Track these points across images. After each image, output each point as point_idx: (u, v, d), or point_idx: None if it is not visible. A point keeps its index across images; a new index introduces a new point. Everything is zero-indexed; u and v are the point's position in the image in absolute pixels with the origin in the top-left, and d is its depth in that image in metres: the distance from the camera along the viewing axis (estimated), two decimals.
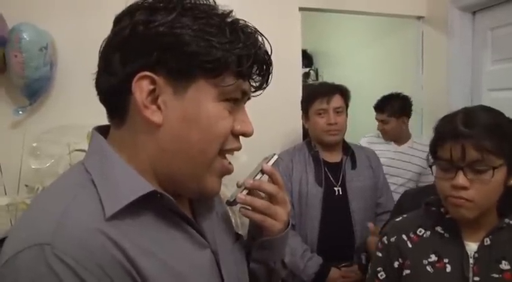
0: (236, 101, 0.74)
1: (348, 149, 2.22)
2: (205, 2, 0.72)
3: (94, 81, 0.73)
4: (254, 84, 0.76)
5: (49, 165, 1.97)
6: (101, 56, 0.72)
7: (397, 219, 1.29)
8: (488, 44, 2.57)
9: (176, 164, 0.71)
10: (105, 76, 0.70)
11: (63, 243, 0.57)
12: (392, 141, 2.92)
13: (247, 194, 0.84)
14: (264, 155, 2.17)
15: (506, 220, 1.12)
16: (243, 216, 0.88)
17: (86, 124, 1.77)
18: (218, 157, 0.74)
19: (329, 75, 4.60)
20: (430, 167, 1.15)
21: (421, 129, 2.98)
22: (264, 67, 0.75)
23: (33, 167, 1.99)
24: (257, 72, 0.74)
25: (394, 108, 2.80)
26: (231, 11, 0.73)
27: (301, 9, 2.67)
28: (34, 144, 2.01)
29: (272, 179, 0.87)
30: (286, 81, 2.58)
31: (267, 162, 0.87)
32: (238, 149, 0.77)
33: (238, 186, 0.86)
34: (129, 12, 0.70)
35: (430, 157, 1.18)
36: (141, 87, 0.67)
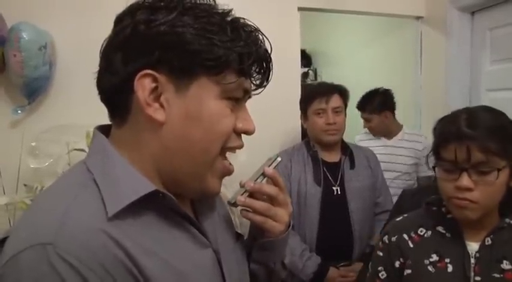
0: (238, 99, 0.74)
1: (346, 149, 2.22)
2: (205, 1, 0.72)
3: (95, 81, 0.74)
4: (255, 82, 0.76)
5: (48, 165, 1.97)
6: (102, 56, 0.72)
7: (398, 219, 1.28)
8: (487, 44, 2.58)
9: (178, 163, 0.72)
10: (107, 76, 0.70)
11: (66, 242, 0.57)
12: (382, 137, 2.93)
13: (249, 195, 0.84)
14: (262, 154, 2.17)
15: (507, 220, 1.12)
16: (242, 217, 0.88)
17: (85, 123, 1.78)
18: (219, 157, 0.75)
19: (328, 75, 4.61)
20: (434, 168, 1.14)
21: (420, 128, 2.98)
22: (265, 65, 0.75)
23: (32, 166, 1.99)
24: (257, 70, 0.75)
25: (373, 105, 2.82)
26: (231, 10, 0.73)
27: (300, 9, 2.67)
28: (33, 144, 2.02)
29: (274, 182, 0.87)
30: (285, 81, 2.58)
31: (270, 165, 0.87)
32: (241, 147, 0.78)
33: (241, 186, 0.86)
34: (130, 11, 0.70)
35: (432, 158, 1.18)
36: (143, 85, 0.67)
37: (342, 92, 2.20)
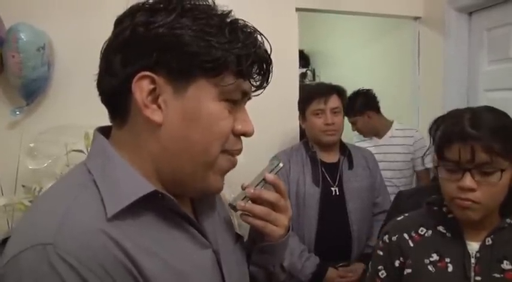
0: (236, 101, 0.74)
1: (344, 149, 2.22)
2: (204, 2, 0.72)
3: (94, 82, 0.74)
4: (255, 83, 0.76)
5: (46, 166, 1.97)
6: (102, 58, 0.72)
7: (399, 219, 1.28)
8: (485, 44, 2.58)
9: (178, 163, 0.72)
10: (107, 77, 0.71)
11: (66, 243, 0.58)
12: (373, 136, 2.94)
13: (249, 200, 0.84)
14: (261, 155, 2.17)
15: (508, 220, 1.12)
16: (240, 218, 0.88)
17: (84, 124, 1.79)
18: (222, 154, 0.74)
19: (326, 75, 4.61)
20: (436, 168, 1.14)
21: (418, 129, 2.98)
22: (264, 66, 0.75)
23: (30, 167, 1.99)
24: (257, 71, 0.75)
25: (354, 107, 2.84)
26: (230, 11, 0.73)
27: (298, 9, 2.67)
28: (31, 145, 2.01)
29: (275, 188, 0.87)
30: (283, 81, 2.58)
31: (271, 171, 0.87)
32: (240, 150, 0.78)
33: (242, 188, 0.86)
34: (130, 13, 0.71)
35: (429, 157, 1.18)
36: (141, 87, 0.67)
37: (340, 93, 2.21)
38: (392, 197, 2.07)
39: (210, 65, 0.68)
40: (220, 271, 0.80)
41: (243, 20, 0.74)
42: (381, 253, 1.25)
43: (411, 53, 3.07)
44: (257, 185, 0.86)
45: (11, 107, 2.12)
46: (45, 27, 2.09)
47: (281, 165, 0.89)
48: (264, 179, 0.86)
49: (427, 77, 2.96)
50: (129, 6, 0.73)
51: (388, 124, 2.91)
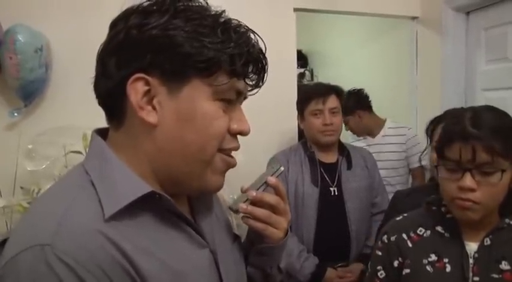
0: (230, 101, 0.75)
1: (343, 150, 2.22)
2: (198, 3, 0.73)
3: (92, 84, 0.74)
4: (250, 82, 0.76)
5: (45, 167, 1.96)
6: (98, 61, 0.73)
7: (398, 219, 1.28)
8: (482, 44, 2.59)
9: (174, 163, 0.72)
10: (103, 80, 0.72)
11: (64, 243, 0.58)
12: (367, 136, 2.95)
13: (251, 203, 0.86)
14: (259, 155, 2.17)
15: (507, 220, 1.12)
16: (239, 218, 0.90)
17: (82, 126, 1.79)
18: (219, 153, 0.75)
19: (324, 75, 4.61)
20: (436, 167, 1.13)
21: (416, 128, 2.99)
22: (259, 65, 0.75)
23: (28, 169, 1.99)
24: (252, 70, 0.75)
25: (346, 107, 2.83)
26: (223, 11, 0.74)
27: (295, 9, 2.67)
28: (29, 146, 2.01)
29: (276, 191, 0.88)
30: (281, 81, 2.59)
31: (272, 175, 0.89)
32: (237, 148, 0.78)
33: (242, 191, 0.87)
34: (124, 16, 0.71)
35: (426, 156, 1.18)
36: (135, 89, 0.68)
37: (339, 93, 2.21)
38: (390, 196, 2.07)
39: (203, 65, 0.69)
40: (217, 271, 0.80)
41: (236, 19, 0.74)
42: (380, 253, 1.25)
43: (409, 52, 3.07)
44: (259, 188, 0.87)
45: (9, 109, 2.12)
46: (43, 28, 2.09)
47: (282, 169, 0.91)
48: (265, 182, 0.87)
49: (424, 77, 2.96)
50: (124, 8, 0.73)
51: (381, 123, 2.92)
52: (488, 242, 1.10)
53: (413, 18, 2.99)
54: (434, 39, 2.81)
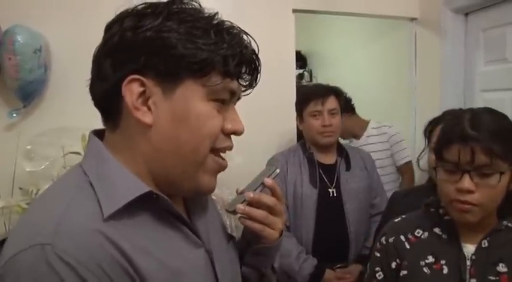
0: (224, 101, 0.76)
1: (342, 151, 2.22)
2: (191, 6, 0.74)
3: (88, 88, 0.76)
4: (244, 83, 0.78)
5: (43, 168, 1.96)
6: (94, 63, 0.74)
7: (396, 220, 1.29)
8: (481, 45, 2.59)
9: (170, 164, 0.73)
10: (98, 82, 0.73)
11: (64, 243, 0.59)
12: (352, 138, 2.97)
13: (248, 204, 0.87)
14: (258, 156, 2.17)
15: (505, 222, 1.12)
16: (237, 220, 0.91)
17: (81, 126, 1.78)
18: (211, 155, 0.76)
19: (323, 76, 4.61)
20: (435, 168, 1.13)
21: (414, 129, 2.99)
22: (252, 66, 0.77)
23: (27, 169, 1.98)
24: (246, 71, 0.76)
25: None
26: (216, 14, 0.75)
27: (294, 11, 2.67)
28: (28, 147, 2.01)
29: (272, 192, 0.90)
30: (280, 82, 2.59)
31: (269, 176, 0.90)
32: (230, 148, 0.79)
33: (238, 193, 0.89)
34: (118, 19, 0.73)
35: (424, 158, 1.18)
36: (130, 90, 0.69)
37: (338, 94, 2.21)
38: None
39: (196, 66, 0.70)
40: (213, 270, 0.82)
41: (229, 21, 0.76)
42: (378, 255, 1.25)
43: (408, 53, 3.07)
44: (255, 189, 0.88)
45: (8, 109, 2.11)
46: (41, 29, 2.09)
47: (278, 170, 0.92)
48: (262, 183, 0.89)
49: (423, 78, 2.96)
50: (119, 11, 0.74)
51: (364, 125, 2.93)
52: (486, 244, 1.10)
53: (412, 19, 2.99)
54: (433, 41, 2.81)
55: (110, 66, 0.71)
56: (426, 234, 1.19)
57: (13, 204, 1.90)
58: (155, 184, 0.75)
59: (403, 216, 1.29)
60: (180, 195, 0.82)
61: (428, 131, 1.66)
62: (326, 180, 2.14)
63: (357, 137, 2.93)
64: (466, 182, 1.04)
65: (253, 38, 0.77)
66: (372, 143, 2.83)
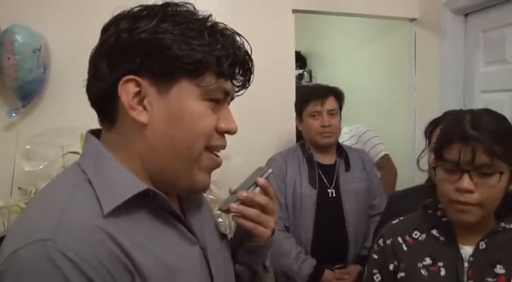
0: (218, 100, 0.78)
1: (341, 151, 2.22)
2: (186, 8, 0.76)
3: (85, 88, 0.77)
4: (237, 83, 0.80)
5: (42, 168, 1.96)
6: (90, 64, 0.76)
7: (394, 222, 1.28)
8: (480, 46, 2.59)
9: (165, 162, 0.75)
10: (95, 82, 0.75)
11: (65, 239, 0.60)
12: None
13: (241, 203, 0.89)
14: (257, 156, 2.17)
15: (502, 224, 1.12)
16: (234, 221, 0.93)
17: (80, 126, 1.77)
18: (205, 152, 0.78)
19: (323, 76, 4.61)
20: (434, 168, 1.13)
21: (414, 130, 2.99)
22: (245, 67, 0.79)
23: (26, 169, 1.98)
24: (239, 72, 0.79)
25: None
26: (210, 16, 0.77)
27: (294, 11, 2.67)
28: (27, 147, 2.01)
29: (265, 192, 0.93)
30: (279, 82, 2.59)
31: (261, 176, 0.93)
32: (224, 146, 0.82)
33: (231, 193, 0.92)
34: (115, 21, 0.75)
35: (423, 159, 1.17)
36: (126, 90, 0.71)
37: (337, 95, 2.21)
38: None
39: (191, 67, 0.72)
40: (207, 267, 0.83)
41: (223, 23, 0.78)
42: (376, 257, 1.25)
43: (407, 54, 3.07)
44: (248, 188, 0.91)
45: (7, 109, 2.11)
46: (41, 29, 2.09)
47: (270, 170, 0.95)
48: (255, 183, 0.91)
49: (423, 78, 2.96)
50: (115, 13, 0.76)
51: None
52: (484, 246, 1.10)
53: (412, 20, 2.99)
54: (433, 41, 2.81)
55: (107, 66, 0.72)
56: (424, 236, 1.19)
57: (12, 204, 1.90)
58: (151, 182, 0.76)
59: (401, 218, 1.29)
60: (174, 193, 0.84)
61: (429, 131, 1.66)
62: (325, 180, 2.14)
63: None
64: (466, 182, 1.04)
65: (246, 40, 0.79)
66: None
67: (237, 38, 0.78)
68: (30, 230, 0.62)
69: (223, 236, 0.99)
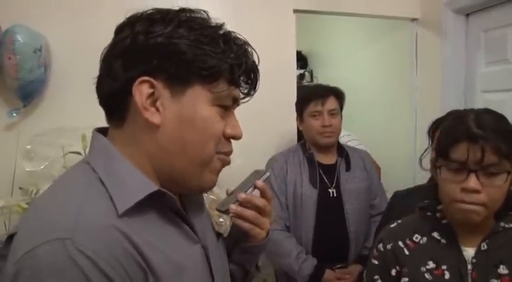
0: (227, 107, 0.80)
1: (342, 151, 2.22)
2: (199, 15, 0.79)
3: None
4: (243, 91, 0.83)
5: (43, 168, 1.96)
6: (103, 62, 0.78)
7: (392, 225, 1.27)
8: (482, 45, 2.58)
9: (176, 162, 0.77)
10: (107, 80, 0.76)
11: (83, 238, 0.61)
12: None
13: (239, 204, 0.92)
14: (258, 156, 2.17)
15: (502, 224, 1.11)
16: (232, 222, 0.98)
17: (80, 126, 1.78)
18: (216, 154, 0.80)
19: (324, 76, 4.60)
20: (439, 168, 1.11)
21: (415, 130, 2.99)
22: (253, 75, 0.82)
23: (27, 169, 1.98)
24: (246, 80, 0.81)
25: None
26: (223, 24, 0.80)
27: (295, 11, 2.67)
28: (28, 147, 2.01)
29: (262, 194, 0.96)
30: (280, 82, 2.59)
31: (259, 179, 0.96)
32: (231, 152, 0.84)
33: (228, 194, 0.95)
34: (129, 23, 0.77)
35: (425, 158, 1.16)
36: (141, 91, 0.73)
37: (338, 94, 2.21)
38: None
39: (206, 72, 0.75)
40: (208, 265, 0.86)
41: (234, 32, 0.81)
42: (376, 262, 1.23)
43: (409, 54, 3.07)
44: (247, 190, 0.94)
45: (7, 109, 2.11)
46: (42, 29, 2.09)
47: (268, 174, 0.98)
48: (253, 185, 0.94)
49: (424, 78, 2.96)
50: (128, 15, 0.78)
51: None
52: (485, 247, 1.09)
53: (413, 19, 2.99)
54: (434, 41, 2.81)
55: (121, 66, 0.74)
56: (425, 239, 1.18)
57: (13, 204, 1.90)
58: (158, 180, 0.78)
59: (399, 221, 1.27)
60: (181, 192, 0.85)
61: (432, 131, 1.66)
62: (326, 180, 2.14)
63: None
64: (472, 182, 1.02)
65: (254, 50, 0.82)
66: None
67: (249, 48, 0.81)
68: (46, 229, 0.62)
69: (218, 234, 1.01)
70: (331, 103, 2.15)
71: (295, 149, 2.27)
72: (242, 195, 0.92)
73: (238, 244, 1.02)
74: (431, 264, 1.13)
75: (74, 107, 2.11)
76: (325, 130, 2.12)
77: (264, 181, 0.96)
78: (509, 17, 2.35)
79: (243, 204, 0.92)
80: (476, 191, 1.02)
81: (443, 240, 1.15)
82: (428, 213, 1.20)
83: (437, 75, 2.78)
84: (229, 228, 1.08)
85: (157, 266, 0.69)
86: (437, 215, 1.18)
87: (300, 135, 2.46)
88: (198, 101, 0.76)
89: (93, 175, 0.72)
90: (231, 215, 0.93)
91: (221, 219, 2.01)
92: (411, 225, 1.23)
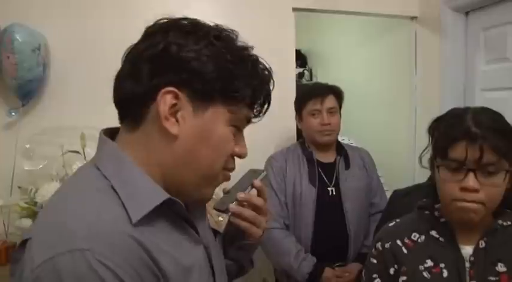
0: (240, 127, 0.84)
1: (341, 150, 2.22)
2: (231, 35, 0.81)
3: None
4: (255, 113, 0.85)
5: (42, 167, 1.97)
6: (129, 62, 0.78)
7: (391, 224, 1.27)
8: (481, 44, 2.58)
9: (184, 174, 0.78)
10: (130, 82, 0.76)
11: (102, 248, 0.63)
12: None
13: (238, 203, 0.95)
14: (257, 155, 2.16)
15: (499, 221, 1.11)
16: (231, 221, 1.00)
17: (80, 125, 1.78)
18: (222, 171, 0.83)
19: (323, 75, 4.60)
20: (438, 167, 1.11)
21: (415, 128, 2.99)
22: (267, 101, 0.85)
23: (26, 168, 1.99)
24: (261, 104, 0.84)
25: None
26: (252, 47, 0.82)
27: (294, 9, 2.67)
28: (27, 146, 2.01)
29: (260, 193, 0.98)
30: (280, 81, 2.55)
31: (256, 178, 0.98)
32: (234, 169, 0.86)
33: (225, 192, 0.98)
34: (161, 29, 0.78)
35: (425, 157, 1.16)
36: (165, 100, 0.73)
37: (337, 93, 2.21)
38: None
39: (231, 94, 0.77)
40: (210, 264, 0.88)
41: (259, 56, 0.83)
42: (375, 261, 1.23)
43: (408, 52, 3.07)
44: (245, 189, 0.96)
45: (6, 108, 2.11)
46: (40, 28, 2.08)
47: (265, 173, 1.00)
48: (251, 185, 0.96)
49: (424, 77, 2.96)
50: (157, 17, 0.79)
51: None
52: (483, 245, 1.09)
53: (412, 18, 2.98)
54: (434, 39, 2.81)
55: (149, 70, 0.74)
56: (423, 237, 1.18)
57: (12, 203, 1.90)
58: (165, 187, 0.78)
59: (397, 220, 1.27)
60: (183, 200, 0.86)
61: (433, 129, 1.65)
62: (325, 179, 2.14)
63: None
64: (471, 181, 1.02)
65: (273, 78, 0.84)
66: None
67: (271, 75, 0.84)
68: (65, 238, 0.63)
69: (215, 232, 1.04)
70: (330, 101, 2.15)
71: (294, 147, 2.27)
72: (241, 195, 0.93)
73: (234, 242, 1.05)
74: (429, 263, 1.13)
75: (73, 106, 2.11)
76: (324, 128, 2.12)
77: (260, 180, 0.98)
78: (508, 15, 2.35)
79: (241, 203, 0.94)
80: (475, 190, 1.02)
81: (441, 239, 1.15)
82: (427, 212, 1.20)
83: (437, 74, 2.78)
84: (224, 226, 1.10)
85: (168, 270, 0.71)
86: (436, 213, 1.18)
87: (299, 133, 2.46)
88: (218, 120, 0.78)
89: (105, 182, 0.73)
90: (229, 214, 0.95)
91: (220, 218, 2.00)
92: (409, 224, 1.23)
